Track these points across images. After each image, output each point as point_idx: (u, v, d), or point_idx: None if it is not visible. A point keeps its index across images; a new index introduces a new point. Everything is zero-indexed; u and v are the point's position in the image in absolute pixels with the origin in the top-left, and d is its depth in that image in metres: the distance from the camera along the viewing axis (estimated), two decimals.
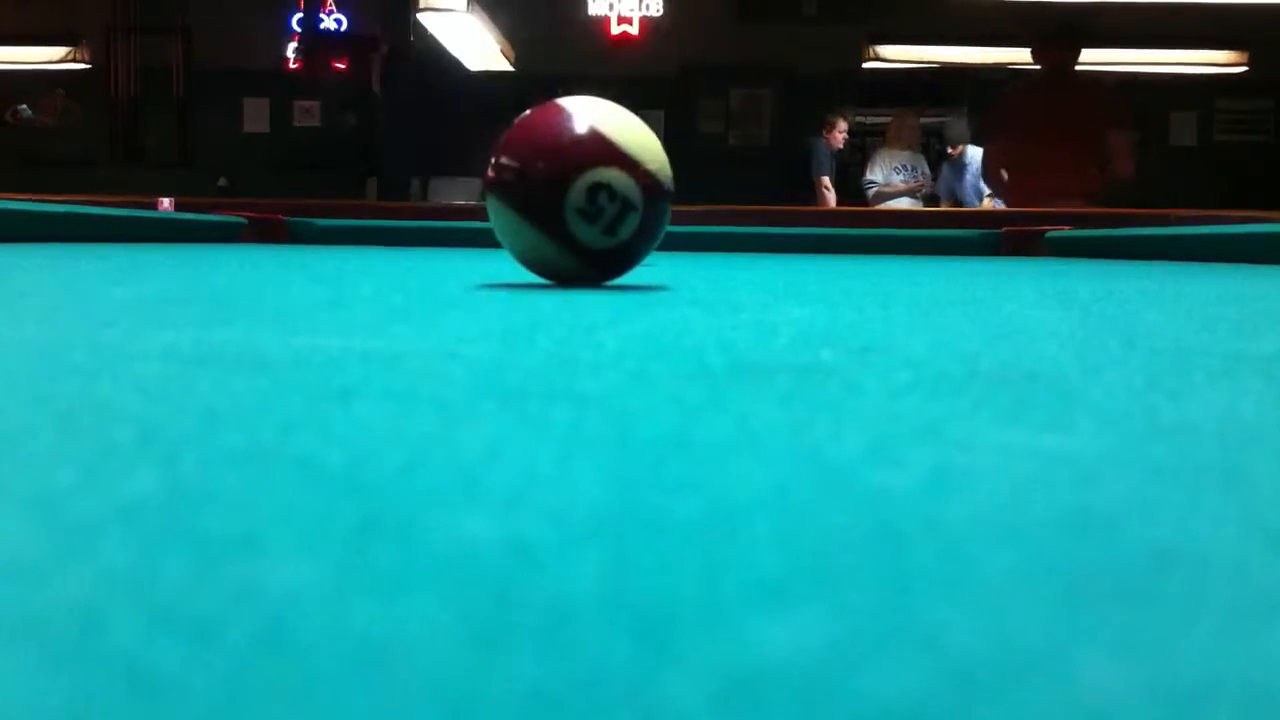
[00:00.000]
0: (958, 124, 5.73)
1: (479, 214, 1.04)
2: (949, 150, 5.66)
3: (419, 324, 0.63)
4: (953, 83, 7.64)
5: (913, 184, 5.54)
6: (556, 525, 0.21)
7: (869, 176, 5.77)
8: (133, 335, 0.55)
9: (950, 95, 7.76)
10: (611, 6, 6.88)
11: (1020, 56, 7.27)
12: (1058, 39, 4.07)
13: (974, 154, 5.35)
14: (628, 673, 0.14)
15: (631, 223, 0.91)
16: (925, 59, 7.29)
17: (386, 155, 7.13)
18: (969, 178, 5.43)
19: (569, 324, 0.63)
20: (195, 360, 0.46)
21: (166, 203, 4.03)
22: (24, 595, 0.17)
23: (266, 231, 2.56)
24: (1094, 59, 7.24)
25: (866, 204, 5.61)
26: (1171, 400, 0.39)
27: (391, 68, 7.05)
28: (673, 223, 1.01)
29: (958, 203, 5.39)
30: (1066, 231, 2.54)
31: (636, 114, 0.96)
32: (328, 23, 7.59)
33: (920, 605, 0.17)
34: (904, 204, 5.49)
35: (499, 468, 0.26)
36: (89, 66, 7.64)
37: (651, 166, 0.92)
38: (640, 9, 6.87)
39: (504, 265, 1.06)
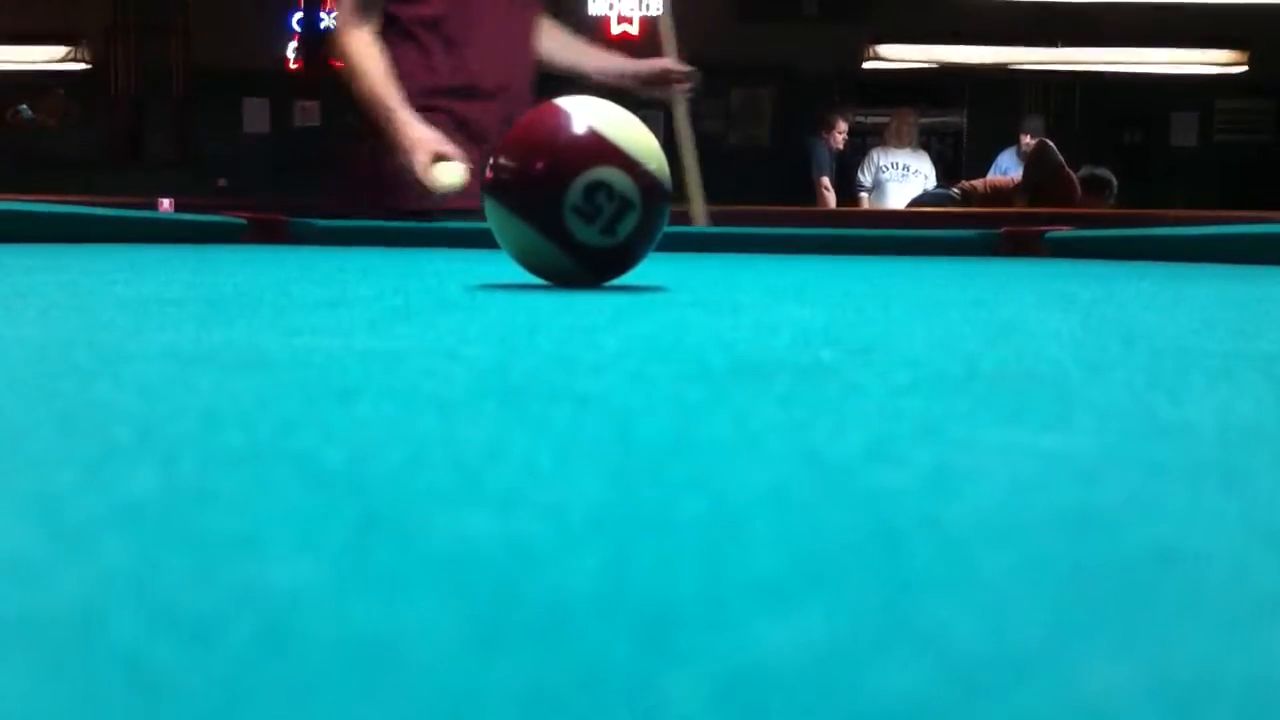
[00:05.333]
0: (1034, 119, 6.02)
1: (478, 214, 1.04)
2: (1024, 138, 5.82)
3: (419, 324, 0.63)
4: (953, 83, 7.65)
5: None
6: (556, 524, 0.21)
7: (858, 177, 5.82)
8: (133, 335, 0.55)
9: (950, 95, 7.78)
10: (611, 6, 6.88)
11: (1019, 56, 7.29)
12: (1096, 190, 4.64)
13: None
14: (628, 673, 0.14)
15: (630, 222, 0.91)
16: (925, 59, 7.29)
17: None
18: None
19: (569, 324, 0.63)
20: (195, 360, 0.46)
21: (166, 203, 4.04)
22: (24, 595, 0.17)
23: (267, 232, 2.55)
24: (1096, 59, 7.26)
25: (856, 204, 5.64)
26: (1171, 400, 0.39)
27: None
28: (672, 222, 1.01)
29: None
30: (1066, 232, 2.53)
31: (636, 114, 0.96)
32: (328, 22, 7.59)
33: (920, 605, 0.17)
34: (898, 199, 5.50)
35: (499, 467, 0.26)
36: (89, 66, 7.65)
37: (650, 166, 0.92)
38: (640, 9, 6.88)
39: (504, 265, 1.06)
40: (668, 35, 2.48)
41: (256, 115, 7.72)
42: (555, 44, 2.45)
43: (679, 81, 2.37)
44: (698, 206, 2.53)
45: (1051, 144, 4.77)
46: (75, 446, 0.29)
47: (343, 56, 2.22)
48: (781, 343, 0.55)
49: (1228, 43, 7.18)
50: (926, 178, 5.76)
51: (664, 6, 2.57)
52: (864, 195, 5.81)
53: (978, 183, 5.09)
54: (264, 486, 0.24)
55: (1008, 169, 5.76)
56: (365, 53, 2.18)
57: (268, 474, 0.25)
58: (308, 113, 7.69)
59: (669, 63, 2.37)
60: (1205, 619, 0.17)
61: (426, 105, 2.17)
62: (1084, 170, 4.72)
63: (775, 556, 0.19)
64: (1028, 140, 5.70)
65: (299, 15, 7.53)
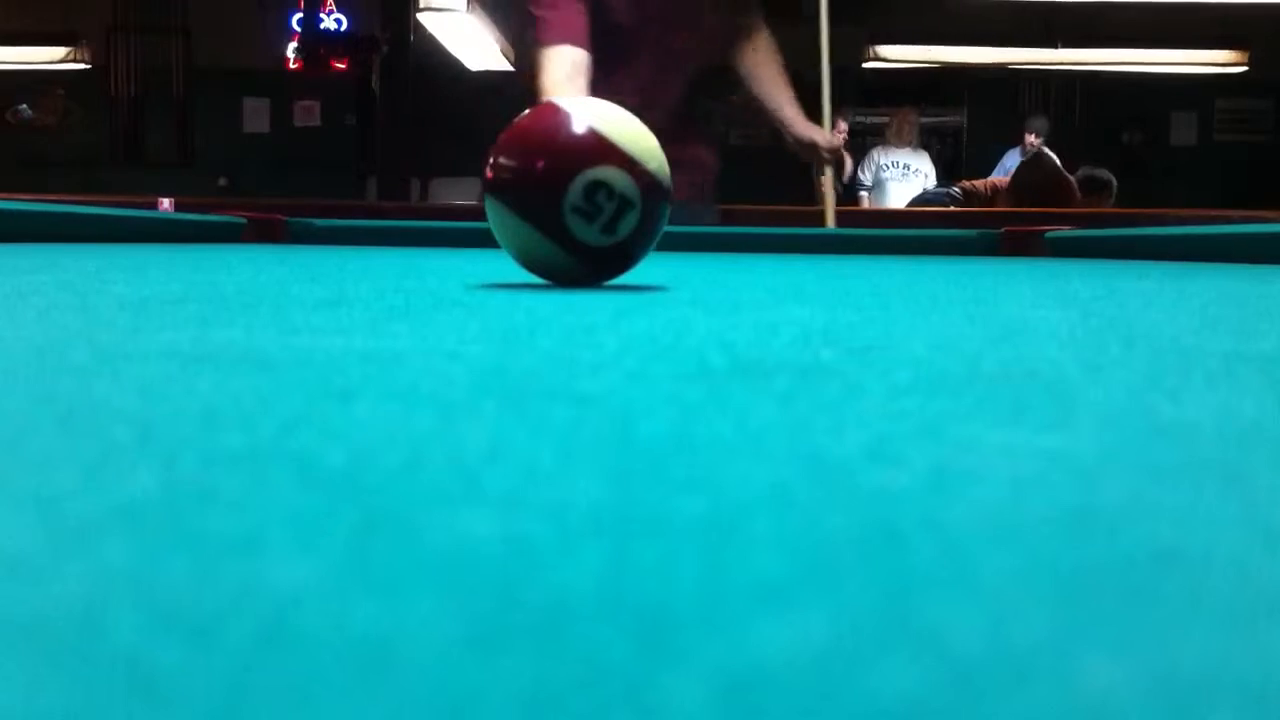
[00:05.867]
0: (1039, 119, 6.03)
1: (479, 214, 1.04)
2: (1029, 137, 5.81)
3: (419, 324, 0.63)
4: (953, 83, 7.65)
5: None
6: (556, 524, 0.21)
7: (858, 176, 5.81)
8: (133, 335, 0.55)
9: (950, 95, 7.78)
10: None
11: (1019, 56, 7.28)
12: (1096, 191, 4.67)
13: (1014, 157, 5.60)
14: (628, 673, 0.14)
15: (630, 221, 0.91)
16: (925, 59, 7.29)
17: (386, 155, 7.13)
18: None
19: (569, 324, 0.63)
20: (195, 360, 0.46)
21: (166, 203, 4.04)
22: (24, 595, 0.17)
23: (266, 231, 2.55)
24: (1096, 59, 7.26)
25: (857, 204, 5.64)
26: (1171, 400, 0.39)
27: (391, 67, 7.05)
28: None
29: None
30: (1066, 231, 2.53)
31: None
32: (328, 22, 7.59)
33: (920, 605, 0.17)
34: (898, 198, 5.50)
35: (499, 467, 0.26)
36: (89, 66, 7.65)
37: (650, 165, 0.92)
38: None
39: (504, 265, 1.06)
40: (826, 111, 2.69)
41: (256, 115, 7.72)
42: (749, 67, 2.49)
43: (822, 160, 2.56)
44: (829, 215, 2.78)
45: (1049, 152, 4.78)
46: (75, 446, 0.29)
47: (543, 79, 2.15)
48: (781, 343, 0.55)
49: (1228, 43, 7.18)
50: (927, 176, 5.76)
51: (826, 86, 2.76)
52: (864, 194, 5.81)
53: (979, 182, 5.09)
54: (264, 486, 0.24)
55: (1012, 169, 5.77)
56: (570, 87, 2.11)
57: (268, 474, 0.25)
58: (307, 112, 7.70)
59: (821, 139, 2.50)
60: (1205, 619, 0.17)
61: None
62: (1083, 171, 4.73)
63: (775, 556, 0.19)
64: (1032, 140, 5.70)
65: (299, 15, 7.53)
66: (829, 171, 2.64)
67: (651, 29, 2.26)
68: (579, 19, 2.15)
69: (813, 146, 2.48)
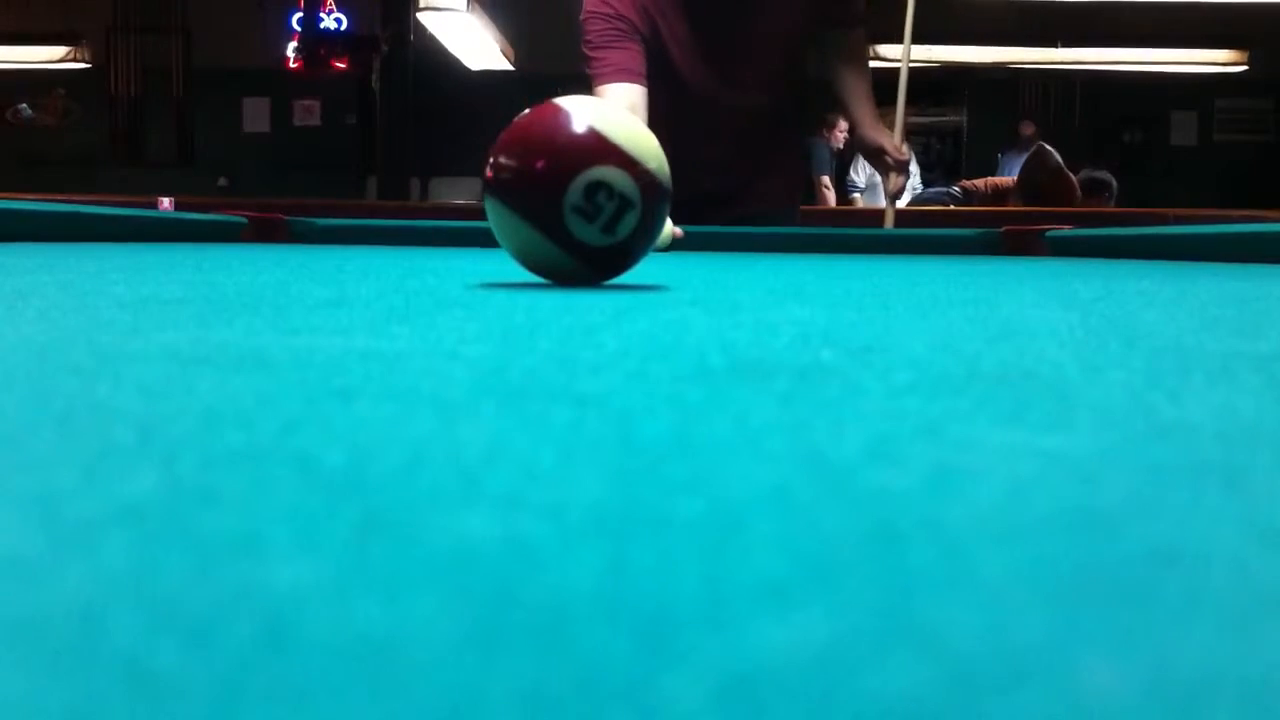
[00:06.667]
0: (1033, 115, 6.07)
1: (479, 214, 1.04)
2: (1024, 127, 5.81)
3: (419, 324, 0.63)
4: (953, 82, 7.65)
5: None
6: (556, 525, 0.21)
7: (851, 177, 5.81)
8: (133, 335, 0.55)
9: (950, 95, 7.78)
10: None
11: (1019, 56, 7.28)
12: (1096, 192, 4.70)
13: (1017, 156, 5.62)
14: (628, 673, 0.14)
15: (630, 221, 0.91)
16: (925, 59, 7.29)
17: (386, 155, 7.13)
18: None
19: (569, 324, 0.63)
20: (195, 360, 0.46)
21: (166, 202, 4.04)
22: (24, 595, 0.17)
23: (266, 231, 2.55)
24: (1096, 59, 7.26)
25: (850, 204, 5.64)
26: (1171, 400, 0.39)
27: (391, 67, 7.05)
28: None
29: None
30: (1066, 231, 2.53)
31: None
32: (328, 22, 7.59)
33: (920, 605, 0.17)
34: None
35: (499, 467, 0.26)
36: (89, 66, 7.66)
37: (650, 165, 0.92)
38: None
39: (504, 265, 1.06)
40: (899, 119, 2.71)
41: (256, 114, 7.73)
42: (834, 70, 2.50)
43: (888, 168, 2.53)
44: (890, 217, 2.82)
45: (1049, 147, 4.77)
46: (75, 446, 0.29)
47: None
48: (781, 343, 0.55)
49: (1228, 42, 7.19)
50: (915, 176, 5.77)
51: (902, 95, 2.77)
52: (857, 196, 5.80)
53: (979, 182, 5.09)
54: (264, 486, 0.24)
55: (1012, 169, 5.78)
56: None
57: (268, 474, 0.25)
58: (307, 112, 7.70)
59: (888, 145, 2.50)
60: (1205, 619, 0.17)
61: None
62: (1083, 173, 4.73)
63: (775, 556, 0.19)
64: (1029, 129, 5.71)
65: (299, 15, 7.53)
66: (891, 177, 2.67)
67: (714, 88, 2.23)
68: (634, 57, 2.10)
69: (879, 152, 2.50)
